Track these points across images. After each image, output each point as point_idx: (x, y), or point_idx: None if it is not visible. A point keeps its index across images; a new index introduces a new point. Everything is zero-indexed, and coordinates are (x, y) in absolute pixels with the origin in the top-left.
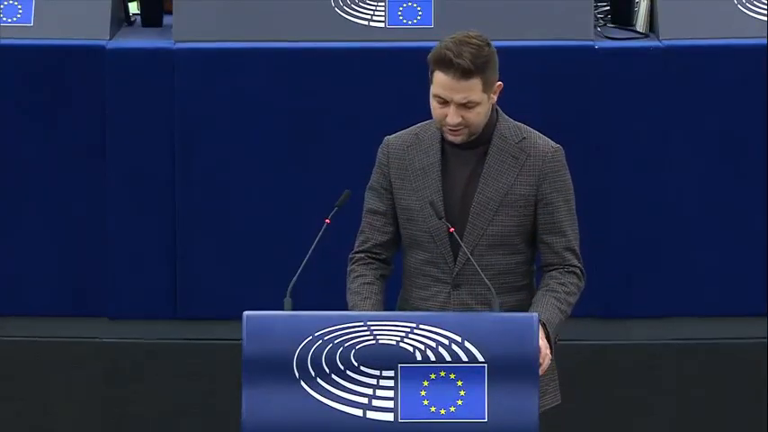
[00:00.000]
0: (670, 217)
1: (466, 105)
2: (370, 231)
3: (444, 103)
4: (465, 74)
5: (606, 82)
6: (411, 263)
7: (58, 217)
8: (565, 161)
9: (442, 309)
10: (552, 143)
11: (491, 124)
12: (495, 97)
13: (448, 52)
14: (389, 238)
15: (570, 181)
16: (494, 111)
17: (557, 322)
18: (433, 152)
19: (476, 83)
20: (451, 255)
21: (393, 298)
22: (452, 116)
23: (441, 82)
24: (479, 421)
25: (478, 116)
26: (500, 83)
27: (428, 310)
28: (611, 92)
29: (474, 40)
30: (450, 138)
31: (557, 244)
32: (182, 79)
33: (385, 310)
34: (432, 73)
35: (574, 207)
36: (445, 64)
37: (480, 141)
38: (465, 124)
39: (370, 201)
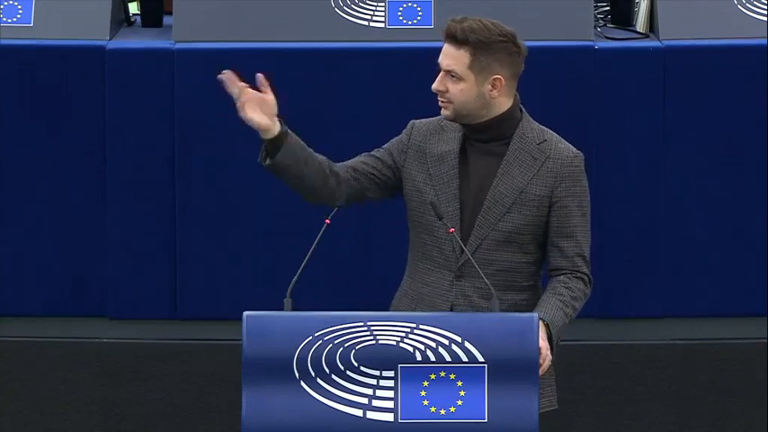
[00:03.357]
0: (670, 217)
1: (450, 75)
2: (355, 162)
3: (439, 71)
4: (455, 41)
5: (606, 82)
6: (418, 247)
7: (58, 217)
8: (584, 168)
9: (443, 297)
10: (573, 149)
11: (513, 122)
12: (494, 92)
13: (448, 24)
14: (359, 176)
15: (587, 189)
16: (517, 109)
17: (560, 325)
18: (454, 141)
19: (463, 55)
20: (459, 244)
21: (393, 296)
22: (437, 81)
23: (442, 49)
24: (479, 421)
25: (461, 94)
26: (499, 77)
27: (429, 296)
28: (611, 92)
29: (486, 22)
30: (440, 111)
31: (568, 249)
32: (182, 79)
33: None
34: None
35: (588, 215)
36: (446, 30)
37: (500, 138)
38: (448, 98)
39: (375, 151)
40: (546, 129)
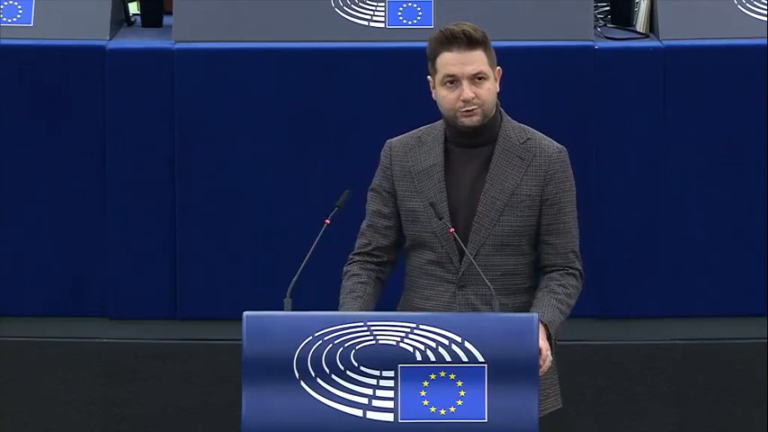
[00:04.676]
0: (670, 217)
1: (477, 78)
2: (372, 234)
3: (454, 83)
4: (471, 43)
5: (606, 82)
6: (415, 263)
7: (58, 217)
8: (569, 162)
9: (447, 309)
10: (557, 144)
11: (496, 124)
12: (497, 85)
13: (449, 29)
14: (391, 242)
15: (573, 182)
16: (499, 111)
17: (558, 324)
18: (436, 153)
19: (481, 54)
20: (457, 255)
21: (395, 298)
22: (467, 90)
23: (448, 60)
24: (479, 421)
25: (489, 93)
26: (499, 68)
27: (432, 310)
28: (611, 92)
29: (468, 22)
30: (465, 122)
31: (560, 245)
32: (182, 79)
33: (383, 310)
34: (434, 61)
35: (575, 209)
36: (449, 40)
37: (486, 141)
38: (479, 103)
39: (373, 203)
40: (526, 126)
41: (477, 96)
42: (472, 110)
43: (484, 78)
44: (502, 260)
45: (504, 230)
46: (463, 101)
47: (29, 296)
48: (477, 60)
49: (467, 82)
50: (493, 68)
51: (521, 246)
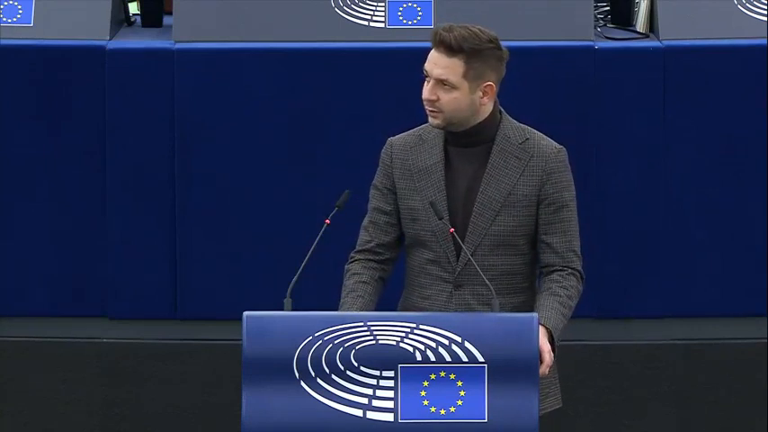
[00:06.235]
0: (670, 217)
1: (443, 84)
2: (374, 230)
3: (426, 79)
4: (448, 49)
5: (606, 82)
6: (414, 262)
7: (58, 217)
8: (567, 162)
9: (443, 308)
10: (555, 144)
11: (494, 124)
12: (485, 99)
13: (440, 28)
14: (392, 238)
15: (572, 182)
16: (497, 111)
17: (560, 327)
18: (436, 152)
19: (457, 64)
20: (454, 254)
21: (395, 298)
22: (427, 90)
23: (428, 57)
24: (479, 421)
25: (454, 103)
26: (491, 83)
27: (429, 310)
28: (611, 92)
29: (474, 28)
30: (429, 119)
31: (558, 244)
32: (182, 79)
33: (383, 310)
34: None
35: (575, 208)
36: (434, 38)
37: (483, 141)
38: (439, 108)
39: (375, 200)
40: (526, 127)
41: (438, 100)
42: (432, 110)
43: (450, 87)
44: (499, 260)
45: (500, 230)
46: (423, 99)
47: (29, 296)
48: (447, 67)
49: (433, 82)
50: (471, 81)
51: (518, 245)
